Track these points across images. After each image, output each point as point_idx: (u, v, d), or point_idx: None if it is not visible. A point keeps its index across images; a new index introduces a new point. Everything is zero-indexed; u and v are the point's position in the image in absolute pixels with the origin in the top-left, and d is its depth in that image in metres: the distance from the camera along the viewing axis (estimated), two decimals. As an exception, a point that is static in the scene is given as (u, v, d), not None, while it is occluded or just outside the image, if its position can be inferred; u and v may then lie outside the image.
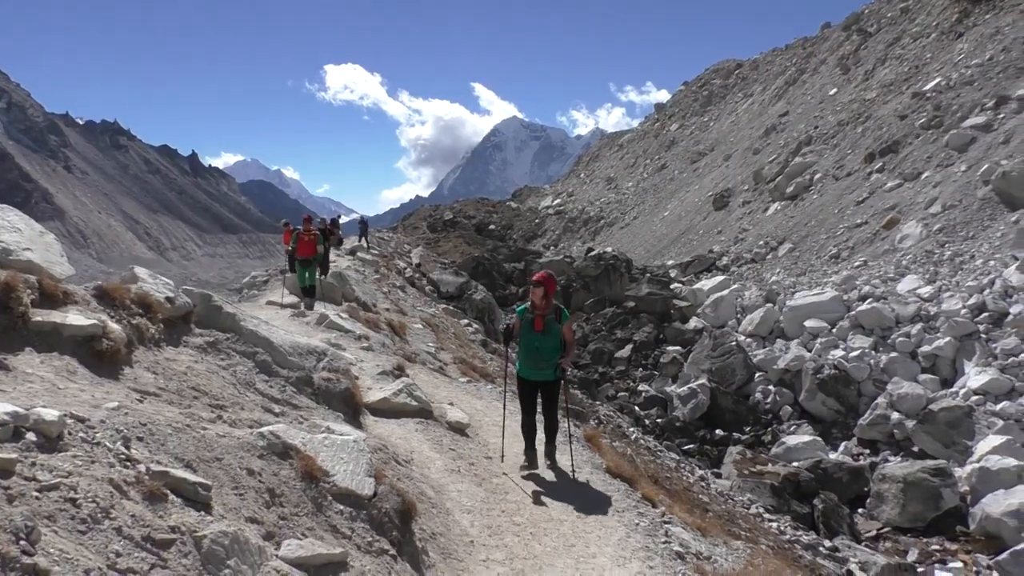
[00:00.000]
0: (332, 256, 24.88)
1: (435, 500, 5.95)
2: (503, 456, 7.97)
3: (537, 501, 6.80)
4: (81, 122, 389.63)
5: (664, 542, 6.28)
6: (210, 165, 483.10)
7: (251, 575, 3.06)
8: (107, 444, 3.41)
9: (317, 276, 21.27)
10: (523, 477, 7.50)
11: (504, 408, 8.28)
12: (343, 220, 36.94)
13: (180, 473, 3.36)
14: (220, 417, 4.57)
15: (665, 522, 6.95)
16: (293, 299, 16.07)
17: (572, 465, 7.83)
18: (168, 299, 5.86)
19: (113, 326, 5.01)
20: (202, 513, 3.24)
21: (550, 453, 8.00)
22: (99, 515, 2.84)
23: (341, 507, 4.36)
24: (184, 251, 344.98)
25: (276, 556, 3.37)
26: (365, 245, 35.54)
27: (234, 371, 5.84)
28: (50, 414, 3.23)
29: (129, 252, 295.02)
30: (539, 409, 8.05)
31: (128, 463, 3.34)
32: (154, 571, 2.69)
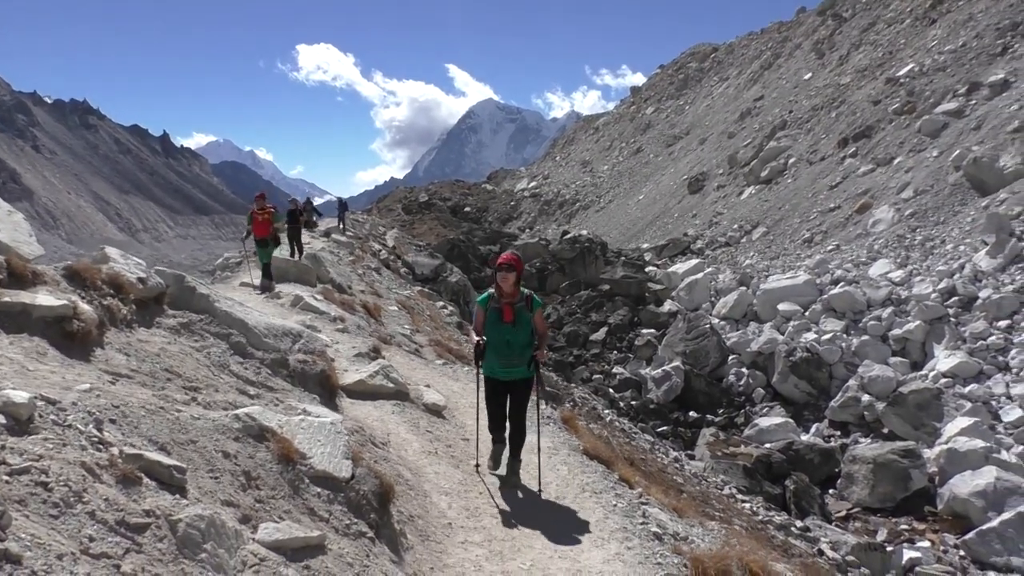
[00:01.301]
0: (306, 238, 24.66)
1: (412, 482, 5.92)
2: (478, 441, 7.36)
3: (515, 483, 6.75)
4: (49, 101, 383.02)
5: (642, 523, 6.29)
6: (182, 146, 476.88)
7: (228, 559, 3.02)
8: (79, 427, 3.35)
9: (294, 255, 21.02)
10: (490, 466, 7.13)
11: (478, 392, 7.25)
12: (318, 202, 36.57)
13: (154, 456, 3.31)
14: (194, 399, 4.51)
15: (642, 503, 6.96)
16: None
17: (552, 446, 7.78)
18: (140, 280, 5.77)
19: (84, 307, 4.93)
20: (177, 496, 3.19)
21: (514, 469, 6.95)
22: (71, 499, 2.79)
23: (318, 490, 4.33)
24: (156, 232, 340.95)
25: (253, 539, 3.33)
26: (341, 227, 35.26)
27: (208, 353, 5.77)
28: (20, 396, 3.17)
29: (100, 233, 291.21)
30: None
31: (101, 446, 3.28)
32: (128, 556, 2.64)
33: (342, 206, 38.60)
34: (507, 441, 6.99)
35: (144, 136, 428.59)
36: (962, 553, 14.10)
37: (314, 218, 32.00)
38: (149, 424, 3.76)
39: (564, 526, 5.87)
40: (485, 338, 6.57)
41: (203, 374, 5.27)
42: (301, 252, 21.34)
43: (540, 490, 6.74)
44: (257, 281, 15.84)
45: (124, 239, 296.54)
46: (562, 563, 5.32)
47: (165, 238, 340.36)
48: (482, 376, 6.94)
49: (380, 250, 34.88)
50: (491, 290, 6.74)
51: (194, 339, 5.88)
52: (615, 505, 6.61)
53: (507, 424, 6.97)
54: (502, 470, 7.01)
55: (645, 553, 5.61)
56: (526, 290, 6.81)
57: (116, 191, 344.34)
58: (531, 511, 6.22)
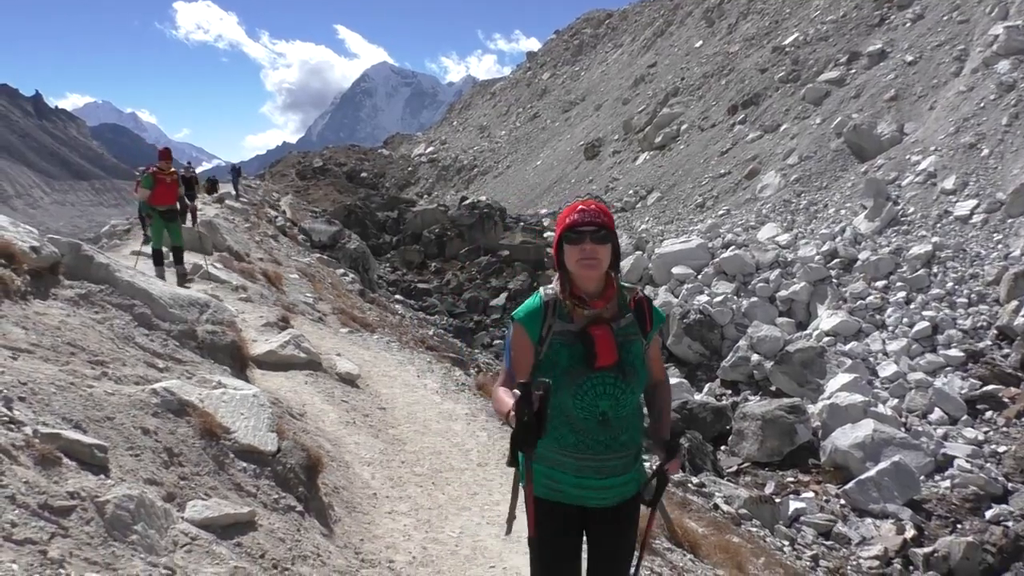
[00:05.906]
0: (199, 204, 23.89)
1: (334, 453, 5.85)
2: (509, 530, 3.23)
3: (436, 451, 6.54)
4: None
5: (565, 488, 6.38)
6: (56, 107, 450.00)
7: (159, 540, 2.97)
8: (-14, 406, 3.23)
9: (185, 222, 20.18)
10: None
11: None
12: (206, 167, 35.45)
13: (72, 435, 3.22)
14: (105, 374, 4.37)
15: (565, 469, 7.07)
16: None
17: (470, 412, 7.55)
18: (33, 248, 5.50)
19: (-25, 280, 4.71)
20: (101, 477, 3.09)
21: None
22: (-12, 483, 2.70)
23: (244, 464, 4.27)
24: (30, 199, 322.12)
25: (182, 518, 3.27)
26: (235, 193, 34.30)
27: (111, 325, 5.54)
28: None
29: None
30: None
31: (13, 425, 3.18)
32: (55, 540, 2.55)
33: (235, 172, 37.64)
34: None
35: (13, 96, 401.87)
36: (842, 502, 15.01)
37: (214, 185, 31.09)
38: (61, 401, 3.65)
39: (490, 494, 5.89)
40: (547, 382, 2.41)
41: (108, 347, 5.09)
42: (196, 220, 20.75)
43: None
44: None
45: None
46: (491, 529, 5.34)
47: (41, 204, 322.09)
48: (524, 490, 2.81)
49: (276, 216, 34.12)
50: (547, 290, 2.83)
51: (95, 311, 5.65)
52: None
53: None
54: None
55: None
56: (628, 284, 2.91)
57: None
58: (455, 479, 6.22)
